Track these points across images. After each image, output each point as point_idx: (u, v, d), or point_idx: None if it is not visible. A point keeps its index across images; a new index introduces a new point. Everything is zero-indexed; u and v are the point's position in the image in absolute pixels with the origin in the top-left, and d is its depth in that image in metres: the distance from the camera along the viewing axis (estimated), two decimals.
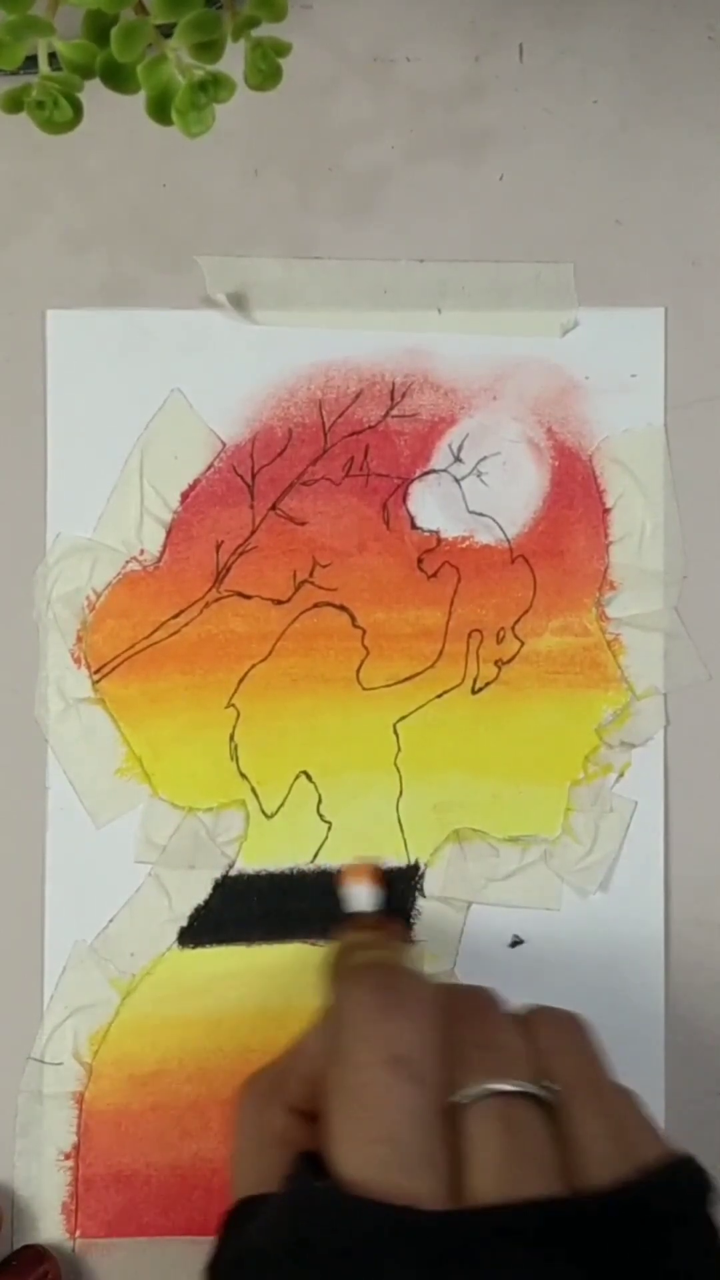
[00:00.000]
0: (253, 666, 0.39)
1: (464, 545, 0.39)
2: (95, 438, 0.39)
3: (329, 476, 0.39)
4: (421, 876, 0.39)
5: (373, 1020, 0.26)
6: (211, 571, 0.39)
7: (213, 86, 0.31)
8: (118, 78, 0.31)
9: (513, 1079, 0.26)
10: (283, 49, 0.32)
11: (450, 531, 0.39)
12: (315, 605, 0.39)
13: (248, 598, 0.39)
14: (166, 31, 0.31)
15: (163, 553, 0.39)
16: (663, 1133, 0.27)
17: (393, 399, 0.39)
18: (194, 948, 0.38)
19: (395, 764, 0.39)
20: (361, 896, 0.37)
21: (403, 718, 0.39)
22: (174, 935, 0.38)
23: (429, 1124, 0.25)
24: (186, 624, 0.39)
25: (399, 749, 0.39)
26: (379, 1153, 0.24)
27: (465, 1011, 0.28)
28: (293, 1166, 0.25)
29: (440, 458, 0.39)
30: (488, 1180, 0.24)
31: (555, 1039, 0.28)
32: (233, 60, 0.31)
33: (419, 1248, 0.23)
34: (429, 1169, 0.24)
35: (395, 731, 0.39)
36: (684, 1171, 0.25)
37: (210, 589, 0.39)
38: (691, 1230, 0.24)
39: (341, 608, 0.39)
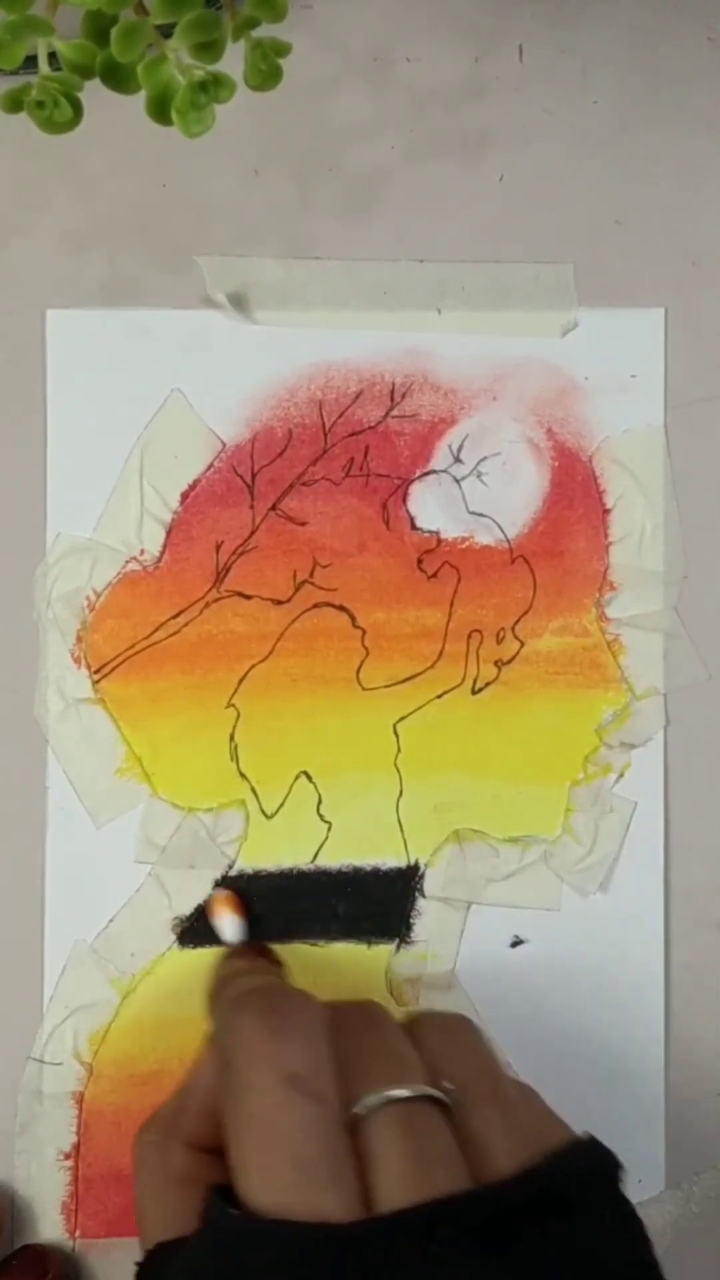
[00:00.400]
0: (253, 666, 0.39)
1: (464, 546, 0.39)
2: (95, 438, 0.39)
3: (329, 477, 0.39)
4: (421, 876, 0.39)
5: (263, 1043, 0.26)
6: (211, 571, 0.39)
7: (213, 86, 0.31)
8: (118, 78, 0.31)
9: (408, 1084, 0.26)
10: (283, 49, 0.32)
11: (450, 532, 0.39)
12: (315, 605, 0.39)
13: (248, 598, 0.39)
14: (166, 31, 0.31)
15: (163, 553, 0.39)
16: (562, 1121, 0.27)
17: (393, 399, 0.39)
18: (194, 948, 0.38)
19: (395, 764, 0.39)
20: (227, 927, 0.37)
21: (403, 718, 0.39)
22: (174, 935, 0.38)
23: (332, 1139, 0.25)
24: (186, 624, 0.39)
25: (399, 749, 0.39)
26: (286, 1175, 0.24)
27: (353, 1024, 0.28)
28: (204, 1201, 0.25)
29: (440, 458, 0.39)
30: (395, 1186, 0.24)
31: (446, 1043, 0.28)
32: (233, 60, 0.31)
33: (339, 1262, 0.23)
34: (337, 1184, 0.24)
35: (395, 732, 0.39)
36: (587, 1153, 0.26)
37: (210, 589, 0.39)
38: (601, 1208, 0.25)
39: (341, 608, 0.39)
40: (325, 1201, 0.24)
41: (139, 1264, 0.27)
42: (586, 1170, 0.25)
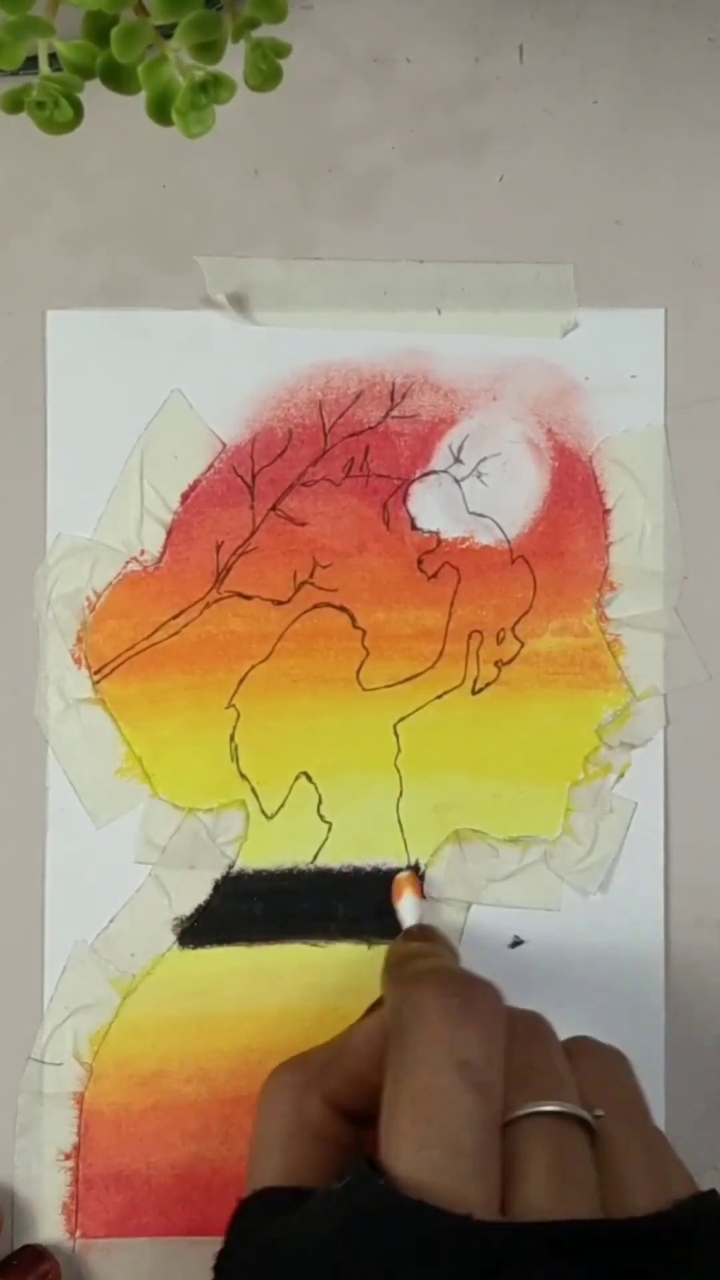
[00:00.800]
0: (253, 667, 0.39)
1: (464, 546, 0.39)
2: (95, 438, 0.39)
3: (329, 477, 0.39)
4: (422, 877, 0.39)
5: (443, 1023, 0.27)
6: (211, 572, 0.39)
7: (213, 87, 0.31)
8: (118, 78, 0.31)
9: (563, 1101, 0.27)
10: (283, 49, 0.32)
11: (450, 532, 0.39)
12: (315, 606, 0.39)
13: (248, 598, 0.39)
14: (166, 32, 0.31)
15: (163, 553, 0.39)
16: (689, 1173, 0.28)
17: (393, 399, 0.39)
18: (194, 948, 0.38)
19: (395, 764, 0.39)
20: (409, 909, 0.37)
21: (403, 718, 0.39)
22: (174, 935, 0.38)
23: (488, 1134, 0.25)
24: (187, 624, 0.39)
25: (399, 749, 0.39)
26: (439, 1158, 0.24)
27: (522, 1031, 0.28)
28: (345, 1163, 0.25)
29: (440, 458, 0.39)
30: (533, 1196, 0.25)
31: (600, 1070, 0.29)
32: (233, 60, 0.31)
33: (473, 1257, 0.23)
34: (483, 1179, 0.25)
35: (395, 732, 0.39)
36: (713, 1206, 0.26)
37: (210, 589, 0.39)
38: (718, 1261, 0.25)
39: (341, 608, 0.39)
40: (470, 1192, 0.24)
41: (242, 1200, 0.27)
42: (713, 1223, 0.26)
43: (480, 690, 0.39)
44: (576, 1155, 0.26)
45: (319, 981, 0.38)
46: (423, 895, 0.38)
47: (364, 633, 0.39)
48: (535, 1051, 0.28)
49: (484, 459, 0.39)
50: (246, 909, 0.38)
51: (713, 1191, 0.27)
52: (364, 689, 0.39)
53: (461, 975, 0.29)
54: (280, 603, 0.39)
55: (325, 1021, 0.38)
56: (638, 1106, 0.29)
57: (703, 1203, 0.26)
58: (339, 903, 0.38)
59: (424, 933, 0.36)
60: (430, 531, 0.39)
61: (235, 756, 0.39)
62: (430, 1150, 0.25)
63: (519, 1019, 0.29)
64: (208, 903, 0.38)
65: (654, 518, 0.39)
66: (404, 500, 0.39)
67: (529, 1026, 0.29)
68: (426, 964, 0.31)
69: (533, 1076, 0.27)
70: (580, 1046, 0.30)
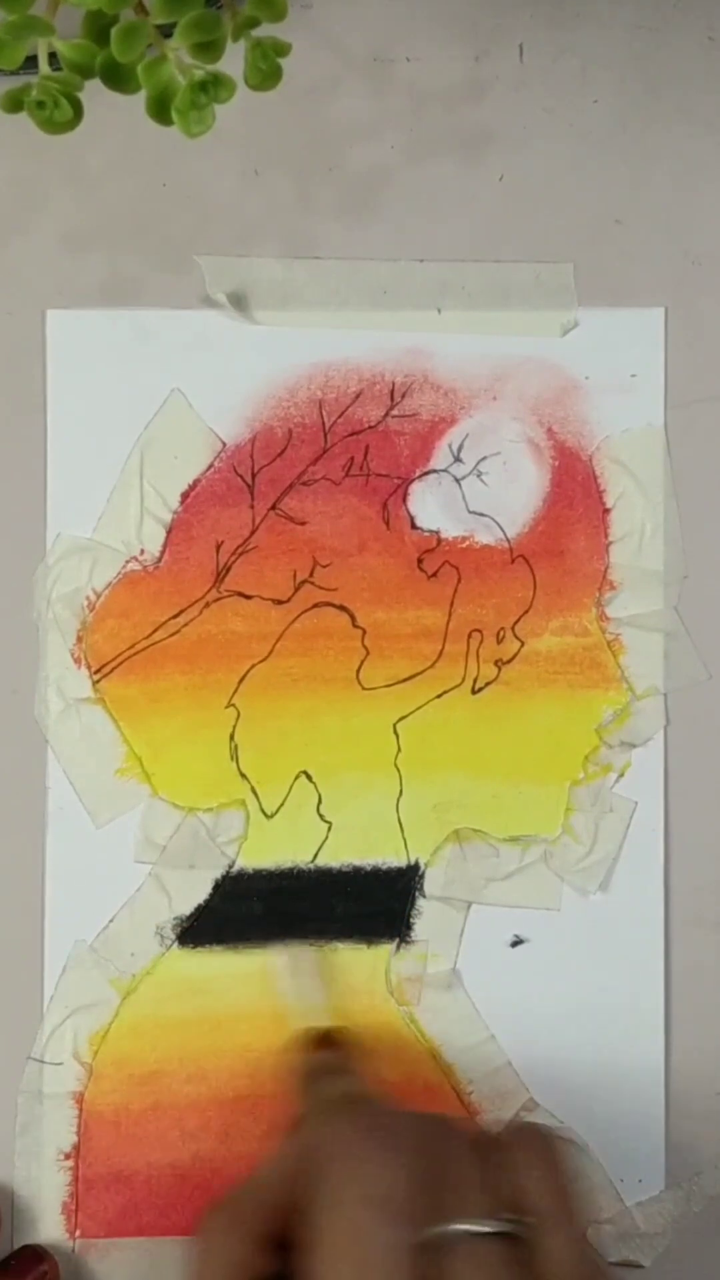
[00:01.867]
0: (253, 666, 0.39)
1: (464, 545, 0.39)
2: (95, 438, 0.39)
3: (329, 476, 0.39)
4: (421, 876, 0.39)
5: (357, 1160, 0.27)
6: (211, 571, 0.39)
7: (213, 86, 0.31)
8: (118, 78, 0.31)
9: (484, 1220, 0.27)
10: (283, 49, 0.32)
11: (450, 531, 0.39)
12: (315, 605, 0.39)
13: (248, 598, 0.39)
14: (166, 31, 0.31)
15: (163, 553, 0.39)
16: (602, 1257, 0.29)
17: (393, 399, 0.39)
18: (194, 948, 0.38)
19: (395, 764, 0.39)
20: (310, 988, 0.37)
21: (403, 718, 0.39)
22: (174, 935, 0.38)
23: (406, 1266, 0.25)
24: (186, 624, 0.39)
25: (399, 749, 0.39)
26: None
27: (437, 1145, 0.28)
28: None
29: (440, 458, 0.39)
30: None
31: (531, 1164, 0.29)
32: (233, 60, 0.31)
33: None
34: None
35: (395, 731, 0.39)
36: None
37: (210, 589, 0.39)
38: None
39: (341, 608, 0.39)
40: None
41: None
42: None
43: (480, 690, 0.39)
44: (502, 1275, 0.26)
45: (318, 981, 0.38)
46: (322, 970, 0.38)
47: (364, 632, 0.39)
48: (452, 1166, 0.28)
49: (484, 458, 0.39)
50: (246, 909, 0.38)
51: None
52: (364, 688, 0.39)
53: (374, 1104, 0.29)
54: (280, 602, 0.39)
55: (324, 1021, 0.38)
56: (567, 1201, 0.29)
57: None
58: (339, 902, 0.38)
59: (332, 1038, 0.36)
60: (430, 531, 0.39)
61: (235, 756, 0.39)
62: None
63: (433, 1130, 0.29)
64: (207, 902, 0.38)
65: (654, 517, 0.39)
66: (404, 499, 0.39)
67: (444, 1137, 0.29)
68: (341, 1088, 0.31)
69: (457, 1194, 0.27)
70: (518, 1139, 0.30)
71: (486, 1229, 0.27)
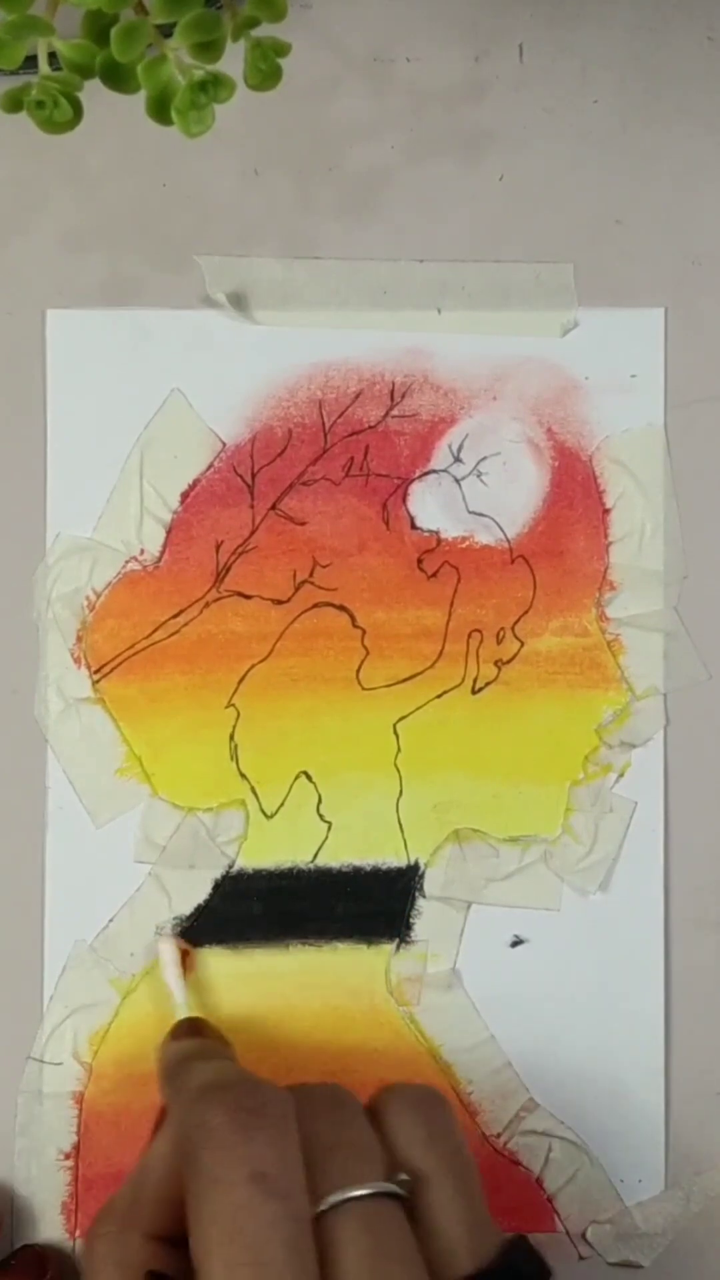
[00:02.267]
0: (253, 666, 0.39)
1: (464, 545, 0.39)
2: (95, 438, 0.39)
3: (329, 476, 0.39)
4: (421, 876, 0.39)
5: (232, 1140, 0.27)
6: (211, 571, 0.39)
7: (213, 86, 0.31)
8: (118, 78, 0.31)
9: (367, 1182, 0.27)
10: (283, 49, 0.32)
11: (450, 532, 0.39)
12: (315, 605, 0.39)
13: (248, 598, 0.39)
14: (166, 31, 0.31)
15: (163, 553, 0.39)
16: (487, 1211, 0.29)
17: (393, 399, 0.39)
18: (194, 948, 0.38)
19: (395, 764, 0.39)
20: (176, 983, 0.37)
21: (403, 718, 0.39)
22: (174, 935, 0.38)
23: (295, 1238, 0.25)
24: (186, 624, 0.39)
25: (399, 749, 0.39)
26: (249, 1275, 0.25)
27: (316, 1113, 0.28)
28: None
29: (440, 458, 0.39)
30: None
31: (412, 1124, 0.29)
32: (233, 60, 0.31)
33: None
34: None
35: (395, 731, 0.39)
36: (523, 1254, 0.28)
37: (210, 589, 0.39)
38: None
39: (341, 608, 0.39)
40: None
41: None
42: (533, 1266, 0.27)
43: (480, 690, 0.39)
44: (390, 1232, 0.26)
45: (318, 981, 0.38)
46: (187, 967, 0.37)
47: (364, 632, 0.39)
48: (333, 1132, 0.28)
49: (484, 458, 0.39)
50: (246, 909, 0.38)
51: (521, 1236, 0.28)
52: (364, 688, 0.39)
53: (240, 1081, 0.29)
54: (280, 602, 0.39)
55: (324, 1021, 0.38)
56: (454, 1156, 0.29)
57: (516, 1249, 0.27)
58: (339, 903, 0.38)
59: (194, 1027, 0.36)
60: (430, 531, 0.39)
61: (235, 756, 0.39)
62: (241, 1269, 0.25)
63: (311, 1099, 0.29)
64: (207, 902, 0.38)
65: (654, 517, 0.39)
66: (404, 500, 0.39)
67: (325, 1105, 0.29)
68: (206, 1072, 0.30)
69: (336, 1161, 0.27)
70: (388, 1100, 0.30)
71: (368, 1191, 0.27)
